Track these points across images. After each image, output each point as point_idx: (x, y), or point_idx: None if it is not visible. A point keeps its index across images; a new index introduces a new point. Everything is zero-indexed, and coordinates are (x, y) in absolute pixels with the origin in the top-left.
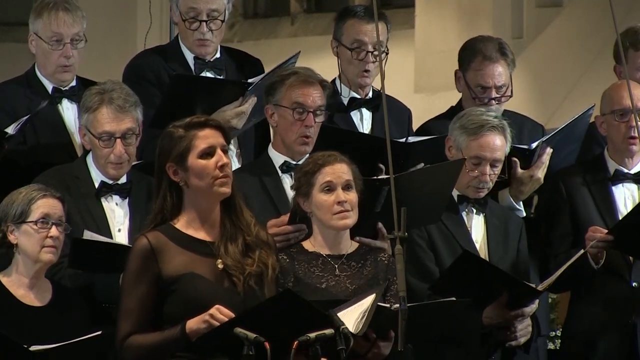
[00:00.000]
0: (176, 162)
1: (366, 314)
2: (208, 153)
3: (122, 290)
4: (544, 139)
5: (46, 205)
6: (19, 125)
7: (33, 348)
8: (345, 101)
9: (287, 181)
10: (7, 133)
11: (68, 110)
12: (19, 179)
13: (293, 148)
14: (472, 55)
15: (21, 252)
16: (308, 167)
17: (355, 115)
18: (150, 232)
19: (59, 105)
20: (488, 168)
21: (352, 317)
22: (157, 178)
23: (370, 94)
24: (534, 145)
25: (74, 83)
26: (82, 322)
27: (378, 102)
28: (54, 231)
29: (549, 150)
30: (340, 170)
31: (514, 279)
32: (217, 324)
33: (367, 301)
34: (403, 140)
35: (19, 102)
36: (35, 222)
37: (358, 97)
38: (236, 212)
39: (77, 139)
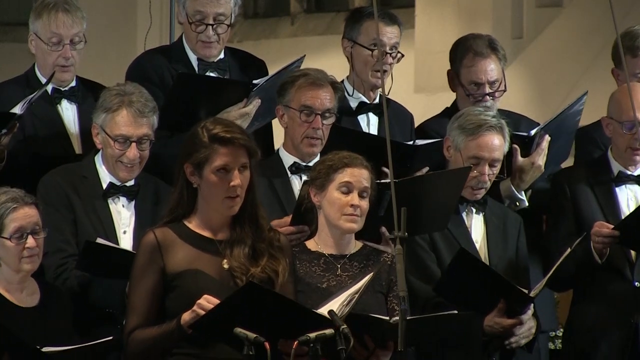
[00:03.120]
0: (194, 166)
1: (356, 296)
2: (224, 169)
3: (130, 285)
4: (541, 126)
5: (18, 218)
6: (25, 104)
7: (45, 349)
8: (353, 104)
9: (296, 182)
10: (15, 114)
11: (67, 111)
12: (20, 178)
13: (301, 149)
14: (463, 52)
15: (2, 262)
16: (332, 162)
17: (362, 119)
18: (159, 227)
19: (58, 105)
20: (487, 168)
21: (339, 301)
22: (176, 172)
23: (377, 99)
24: (532, 132)
25: (73, 83)
26: (72, 322)
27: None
28: (30, 242)
29: (547, 137)
30: (361, 175)
31: (506, 282)
32: (203, 312)
33: (360, 284)
34: (410, 142)
35: (18, 102)
36: (10, 238)
37: (367, 101)
38: (246, 217)
39: (76, 139)
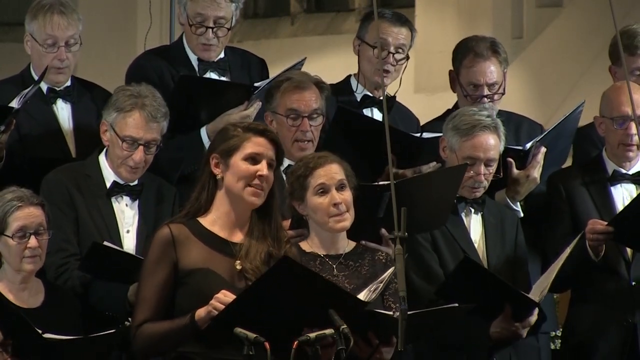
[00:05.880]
0: (221, 155)
1: (381, 284)
2: (253, 158)
3: (141, 278)
4: (537, 139)
5: (22, 217)
6: (21, 99)
7: (46, 336)
8: (358, 98)
9: None
10: (12, 108)
11: (62, 110)
12: (18, 178)
13: (292, 153)
14: (464, 53)
15: (4, 261)
16: (300, 171)
17: (367, 114)
18: (174, 223)
19: (53, 105)
20: (482, 168)
21: (365, 289)
22: (202, 167)
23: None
24: (528, 145)
25: (68, 83)
26: (77, 321)
27: (391, 104)
28: (32, 242)
29: (543, 150)
30: (332, 171)
31: (511, 288)
32: (222, 306)
33: (385, 275)
34: (418, 135)
35: (12, 101)
36: (12, 236)
37: (371, 95)
38: (269, 224)
39: (71, 138)
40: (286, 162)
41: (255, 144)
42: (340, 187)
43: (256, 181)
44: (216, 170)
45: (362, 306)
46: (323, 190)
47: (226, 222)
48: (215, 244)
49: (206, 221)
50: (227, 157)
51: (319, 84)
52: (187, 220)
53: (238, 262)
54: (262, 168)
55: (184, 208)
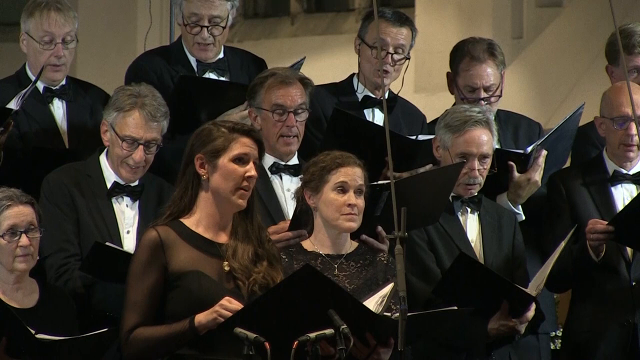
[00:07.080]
0: (207, 155)
1: (385, 298)
2: (241, 159)
3: (129, 282)
4: (538, 142)
5: (11, 215)
6: (19, 100)
7: (39, 336)
8: (360, 98)
9: (277, 182)
10: (11, 109)
11: (59, 109)
12: (19, 176)
13: (277, 149)
14: (460, 56)
15: None
16: (325, 163)
17: (368, 114)
18: (160, 226)
19: (50, 104)
20: (476, 163)
21: (372, 301)
22: (183, 168)
23: (385, 96)
24: (529, 149)
25: (64, 82)
26: (73, 321)
27: (392, 104)
28: (23, 241)
29: (544, 153)
30: (355, 174)
31: (508, 283)
32: (228, 313)
33: (386, 289)
34: (414, 137)
35: (10, 101)
36: (3, 236)
37: (372, 96)
38: (251, 222)
39: (66, 136)
40: (270, 160)
41: (243, 145)
42: (358, 192)
43: (245, 183)
44: (201, 171)
45: (374, 318)
46: (343, 188)
47: (210, 223)
48: (202, 245)
49: (190, 222)
50: (214, 158)
51: (303, 79)
52: (170, 221)
53: (226, 262)
54: (251, 169)
55: (167, 209)
